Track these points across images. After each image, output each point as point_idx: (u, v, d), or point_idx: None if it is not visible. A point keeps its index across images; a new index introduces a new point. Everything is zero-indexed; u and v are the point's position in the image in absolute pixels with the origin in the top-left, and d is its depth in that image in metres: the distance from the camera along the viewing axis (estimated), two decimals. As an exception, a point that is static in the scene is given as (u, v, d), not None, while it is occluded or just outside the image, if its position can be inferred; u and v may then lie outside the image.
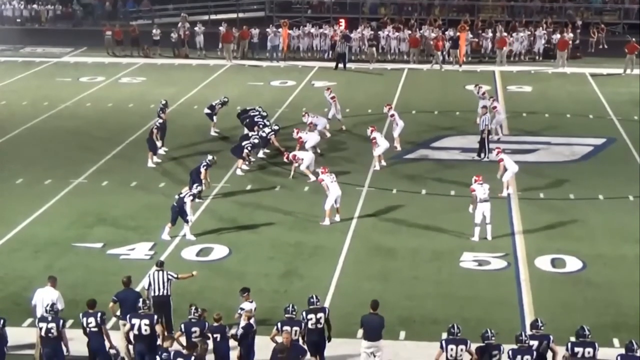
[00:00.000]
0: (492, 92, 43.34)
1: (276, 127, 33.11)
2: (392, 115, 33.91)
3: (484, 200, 25.23)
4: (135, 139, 35.05)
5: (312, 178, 29.23)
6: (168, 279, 19.60)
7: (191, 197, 25.24)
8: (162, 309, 19.36)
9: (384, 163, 31.65)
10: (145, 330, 17.78)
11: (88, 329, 17.98)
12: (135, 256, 24.26)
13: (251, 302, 18.86)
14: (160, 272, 19.70)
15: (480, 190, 25.34)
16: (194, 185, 26.32)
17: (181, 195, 25.24)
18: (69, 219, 26.96)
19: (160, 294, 19.49)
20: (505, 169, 28.65)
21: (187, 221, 25.22)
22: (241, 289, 19.20)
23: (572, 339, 17.35)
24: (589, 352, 16.74)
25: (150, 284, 19.64)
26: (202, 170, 28.03)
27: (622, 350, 16.95)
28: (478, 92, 37.29)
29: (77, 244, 25.11)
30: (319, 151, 32.33)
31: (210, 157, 28.64)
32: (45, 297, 18.89)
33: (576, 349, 16.79)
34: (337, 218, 26.62)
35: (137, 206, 27.99)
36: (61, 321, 17.84)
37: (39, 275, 23.00)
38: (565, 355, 16.88)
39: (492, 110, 33.83)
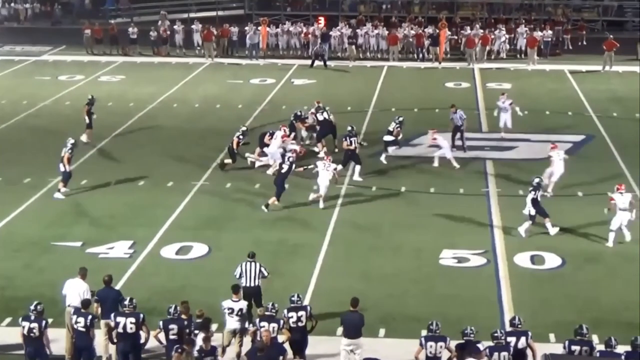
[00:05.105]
0: (471, 90, 43.60)
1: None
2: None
3: (624, 209, 24.64)
4: (114, 137, 34.91)
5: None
6: (260, 271, 19.99)
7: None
8: (252, 298, 19.80)
9: None
10: (131, 328, 17.72)
11: (76, 328, 17.93)
12: (114, 255, 24.18)
13: (237, 301, 18.82)
14: (252, 263, 20.08)
15: (620, 199, 24.71)
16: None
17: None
18: (48, 217, 26.84)
19: (252, 284, 19.89)
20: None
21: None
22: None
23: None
24: (585, 351, 16.70)
25: (241, 274, 19.99)
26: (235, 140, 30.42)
27: (602, 347, 17.03)
28: (503, 103, 35.38)
29: (56, 242, 25.00)
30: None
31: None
32: (73, 288, 19.01)
33: (573, 347, 16.77)
34: None
35: (116, 205, 27.87)
36: (44, 322, 17.74)
37: (18, 274, 22.95)
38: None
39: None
